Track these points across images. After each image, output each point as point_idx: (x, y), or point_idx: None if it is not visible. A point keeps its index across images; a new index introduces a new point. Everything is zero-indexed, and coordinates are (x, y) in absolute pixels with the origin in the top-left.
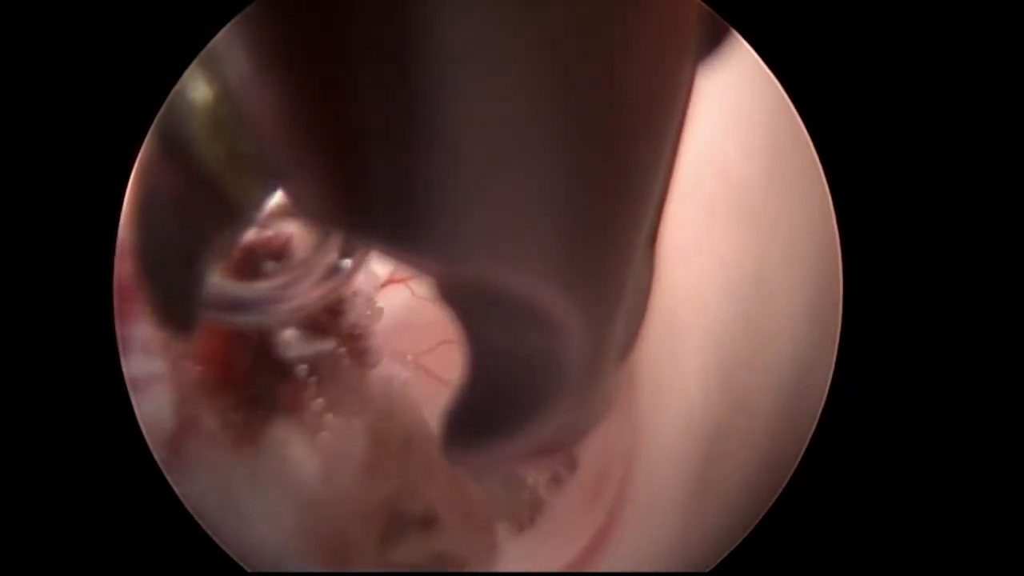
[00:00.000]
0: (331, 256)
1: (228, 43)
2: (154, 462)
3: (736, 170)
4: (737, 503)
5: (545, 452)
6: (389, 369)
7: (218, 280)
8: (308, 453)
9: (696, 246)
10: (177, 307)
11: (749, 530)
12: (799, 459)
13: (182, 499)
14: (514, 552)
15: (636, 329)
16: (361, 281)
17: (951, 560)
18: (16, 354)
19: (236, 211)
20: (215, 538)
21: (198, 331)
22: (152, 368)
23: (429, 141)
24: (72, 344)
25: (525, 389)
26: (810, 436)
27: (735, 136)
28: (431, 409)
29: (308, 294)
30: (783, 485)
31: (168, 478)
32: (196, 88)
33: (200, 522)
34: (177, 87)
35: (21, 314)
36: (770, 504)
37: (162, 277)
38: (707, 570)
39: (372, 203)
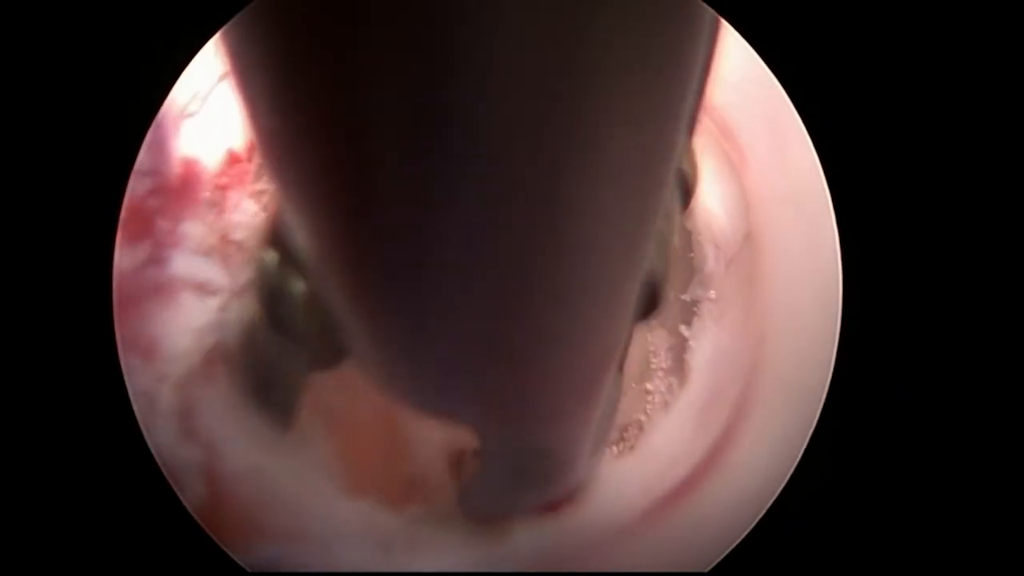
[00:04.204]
0: None
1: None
2: (154, 463)
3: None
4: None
5: (546, 508)
6: None
7: None
8: None
9: None
10: (277, 417)
11: (749, 530)
12: None
13: None
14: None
15: (607, 431)
16: None
17: (951, 559)
18: (17, 353)
19: (329, 355)
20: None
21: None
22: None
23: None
24: (72, 344)
25: (525, 475)
26: None
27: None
28: None
29: None
30: (783, 484)
31: None
32: (295, 285)
33: None
34: (280, 283)
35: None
36: (769, 504)
37: (266, 400)
38: (707, 570)
39: (414, 382)
